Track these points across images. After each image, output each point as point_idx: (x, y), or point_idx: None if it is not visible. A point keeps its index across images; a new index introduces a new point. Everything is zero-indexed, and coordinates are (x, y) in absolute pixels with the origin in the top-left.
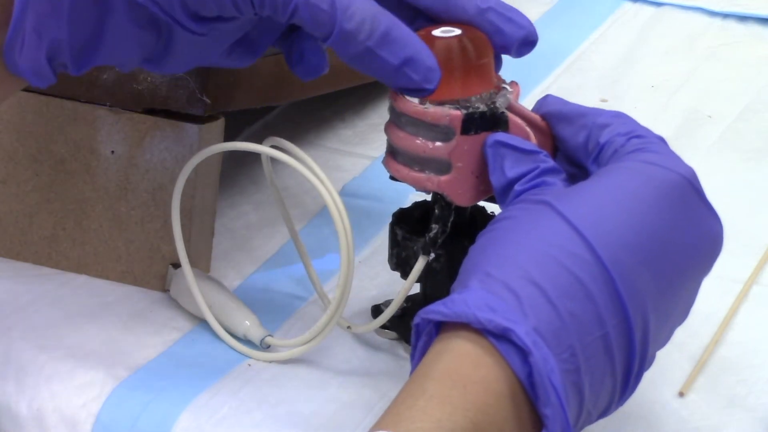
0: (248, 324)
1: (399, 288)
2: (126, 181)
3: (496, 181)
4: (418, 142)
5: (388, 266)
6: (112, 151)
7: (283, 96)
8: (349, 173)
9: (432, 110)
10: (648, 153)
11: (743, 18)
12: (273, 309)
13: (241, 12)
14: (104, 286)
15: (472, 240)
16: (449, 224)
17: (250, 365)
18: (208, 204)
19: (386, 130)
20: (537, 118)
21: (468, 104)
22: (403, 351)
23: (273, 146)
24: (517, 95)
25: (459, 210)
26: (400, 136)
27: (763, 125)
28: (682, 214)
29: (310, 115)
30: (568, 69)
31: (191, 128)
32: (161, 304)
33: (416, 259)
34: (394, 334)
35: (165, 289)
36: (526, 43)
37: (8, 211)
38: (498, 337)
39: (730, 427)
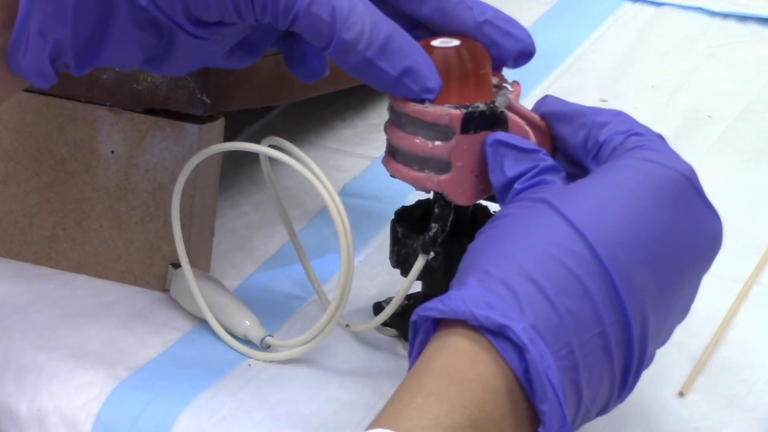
0: (248, 324)
1: (399, 288)
2: (126, 181)
3: (495, 179)
4: (418, 141)
5: (388, 266)
6: (112, 151)
7: (283, 96)
8: (349, 173)
9: (432, 110)
10: (647, 151)
11: (743, 18)
12: (273, 309)
13: (243, 18)
14: (104, 286)
15: (472, 239)
16: (449, 223)
17: (250, 365)
18: (208, 204)
19: (386, 129)
20: (536, 117)
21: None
22: (402, 349)
23: (272, 146)
24: (518, 95)
25: (460, 209)
26: (399, 135)
27: (763, 125)
28: (681, 212)
29: (310, 115)
30: (568, 69)
31: (191, 128)
32: (161, 304)
33: (416, 257)
34: (394, 332)
35: (165, 289)
36: (522, 55)
37: (8, 211)
38: (495, 334)
39: (730, 427)
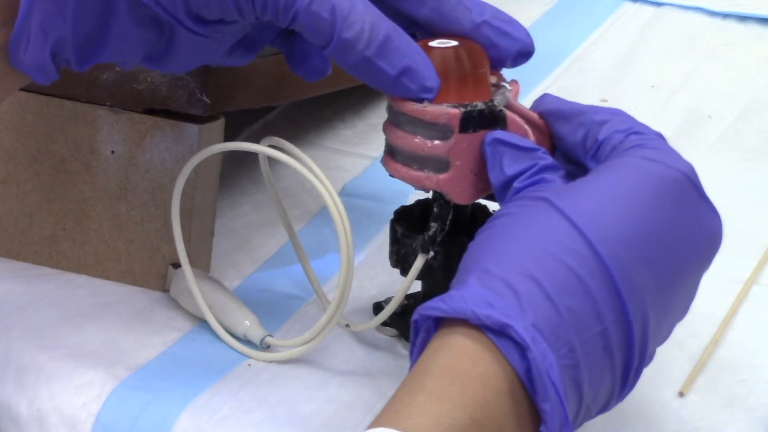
0: (248, 324)
1: (399, 287)
2: (126, 181)
3: (494, 178)
4: (417, 140)
5: (388, 266)
6: (112, 151)
7: (283, 96)
8: (349, 173)
9: (430, 109)
10: (647, 149)
11: (743, 18)
12: (273, 309)
13: (243, 16)
14: (104, 286)
15: (471, 237)
16: (448, 222)
17: (250, 365)
18: (208, 204)
19: (384, 129)
20: (535, 116)
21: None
22: (402, 349)
23: (271, 146)
24: (516, 93)
25: (459, 208)
26: (398, 135)
27: (763, 125)
28: (681, 210)
29: (310, 115)
30: (568, 69)
31: (191, 128)
32: (161, 304)
33: (415, 257)
34: (394, 332)
35: (165, 289)
36: (521, 55)
37: (8, 211)
38: (496, 333)
39: (730, 427)
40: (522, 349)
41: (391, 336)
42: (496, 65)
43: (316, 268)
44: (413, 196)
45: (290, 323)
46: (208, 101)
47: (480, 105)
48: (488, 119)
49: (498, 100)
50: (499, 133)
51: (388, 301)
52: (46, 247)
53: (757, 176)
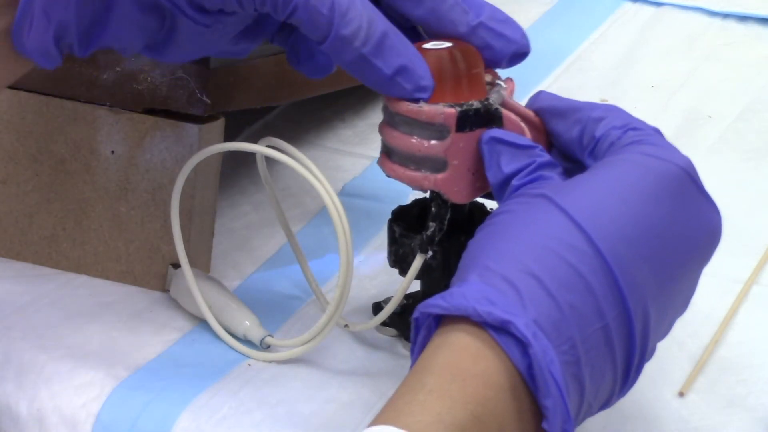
0: (248, 324)
1: (399, 287)
2: (126, 181)
3: (492, 177)
4: (413, 141)
5: (388, 266)
6: (112, 151)
7: (283, 96)
8: (349, 173)
9: (426, 109)
10: (645, 145)
11: (743, 18)
12: (273, 309)
13: (243, 7)
14: (104, 286)
15: (469, 236)
16: (446, 222)
17: (250, 365)
18: (208, 204)
19: (380, 130)
20: (530, 113)
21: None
22: (402, 349)
23: (269, 146)
24: (512, 91)
25: (457, 207)
26: (394, 135)
27: (763, 125)
28: (680, 205)
29: (310, 115)
30: (568, 69)
31: (191, 128)
32: (161, 304)
33: (414, 256)
34: (393, 332)
35: (165, 289)
36: (516, 56)
37: (8, 211)
38: (497, 329)
39: (730, 427)
40: (523, 345)
41: (391, 336)
42: (492, 66)
43: (316, 268)
44: (413, 195)
45: (290, 323)
46: (208, 101)
47: (476, 104)
48: (484, 118)
49: (493, 99)
50: (495, 132)
51: (387, 301)
52: (46, 247)
53: (757, 176)
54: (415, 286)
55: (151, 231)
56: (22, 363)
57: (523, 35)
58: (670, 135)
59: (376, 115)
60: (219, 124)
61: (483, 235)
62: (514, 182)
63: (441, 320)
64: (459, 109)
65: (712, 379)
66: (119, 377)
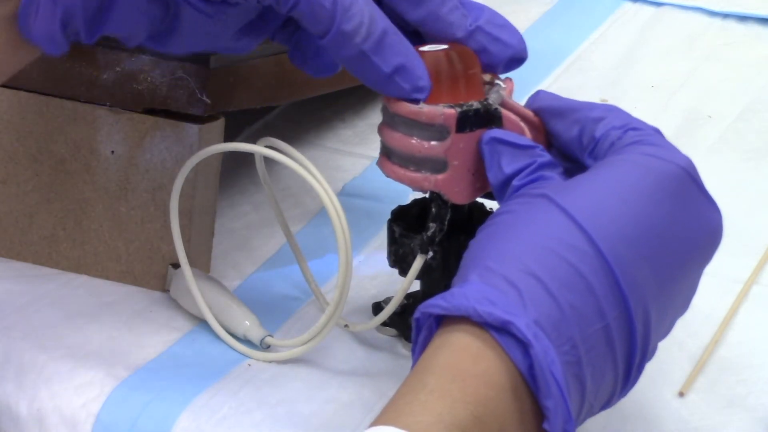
0: (248, 324)
1: (399, 287)
2: (126, 181)
3: (493, 177)
4: (414, 142)
5: (387, 266)
6: (112, 151)
7: (283, 96)
8: (349, 173)
9: (426, 110)
10: (645, 145)
11: (743, 18)
12: (273, 309)
13: None
14: (104, 286)
15: (469, 236)
16: (446, 222)
17: (250, 365)
18: (208, 204)
19: (380, 131)
20: (529, 113)
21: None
22: (402, 349)
23: (268, 146)
24: (510, 91)
25: (457, 207)
26: (394, 136)
27: (763, 125)
28: (681, 205)
29: (310, 115)
30: (568, 69)
31: (191, 128)
32: (161, 304)
33: (413, 256)
34: (394, 332)
35: (165, 289)
36: (512, 61)
37: (8, 211)
38: (498, 329)
39: (730, 427)
40: (524, 345)
41: (391, 336)
42: (488, 70)
43: (316, 268)
44: (413, 195)
45: (290, 323)
46: (208, 101)
47: (475, 104)
48: (484, 118)
49: (493, 99)
50: (496, 132)
51: (387, 301)
52: (46, 247)
53: (757, 176)
54: (415, 285)
55: (151, 231)
56: (22, 363)
57: (521, 40)
58: (670, 135)
59: (376, 115)
60: (219, 124)
61: (484, 236)
62: (515, 182)
63: (442, 320)
64: (459, 109)
65: (712, 379)
66: (119, 377)
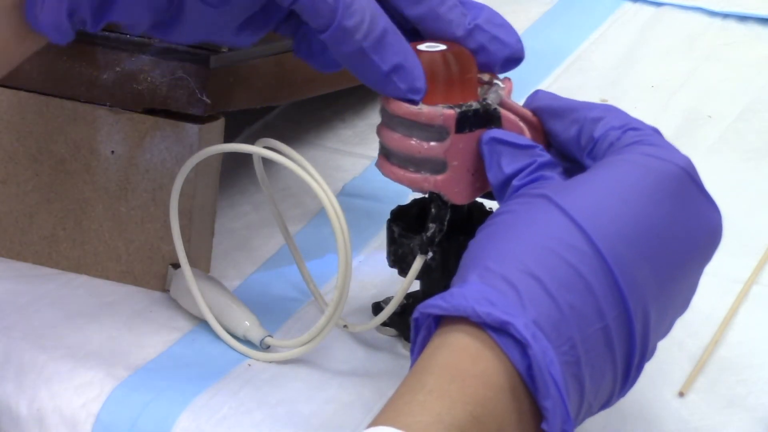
0: (248, 324)
1: (399, 287)
2: (126, 181)
3: (493, 177)
4: (413, 143)
5: (387, 266)
6: (112, 151)
7: (283, 96)
8: (349, 173)
9: (425, 110)
10: (645, 145)
11: (743, 18)
12: (273, 309)
13: None
14: (104, 286)
15: (468, 236)
16: (446, 223)
17: (249, 365)
18: (208, 204)
19: (378, 132)
20: (528, 113)
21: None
22: (402, 349)
23: (266, 147)
24: (509, 91)
25: (456, 207)
26: (394, 137)
27: (763, 125)
28: (680, 205)
29: (310, 115)
30: (568, 69)
31: (191, 128)
32: (161, 304)
33: (413, 257)
34: (393, 332)
35: (165, 289)
36: (510, 61)
37: (8, 211)
38: (497, 330)
39: (730, 427)
40: (523, 346)
41: (391, 336)
42: (485, 70)
43: (316, 269)
44: (412, 195)
45: (290, 323)
46: (208, 101)
47: (475, 104)
48: (483, 118)
49: (492, 99)
50: (495, 132)
51: (387, 301)
52: (46, 247)
53: (757, 176)
54: (415, 286)
55: (151, 231)
56: (22, 363)
57: (518, 40)
58: (670, 135)
59: (376, 115)
60: (219, 124)
61: (483, 236)
62: (515, 182)
63: (441, 321)
64: (458, 110)
65: (712, 379)
66: (119, 377)
